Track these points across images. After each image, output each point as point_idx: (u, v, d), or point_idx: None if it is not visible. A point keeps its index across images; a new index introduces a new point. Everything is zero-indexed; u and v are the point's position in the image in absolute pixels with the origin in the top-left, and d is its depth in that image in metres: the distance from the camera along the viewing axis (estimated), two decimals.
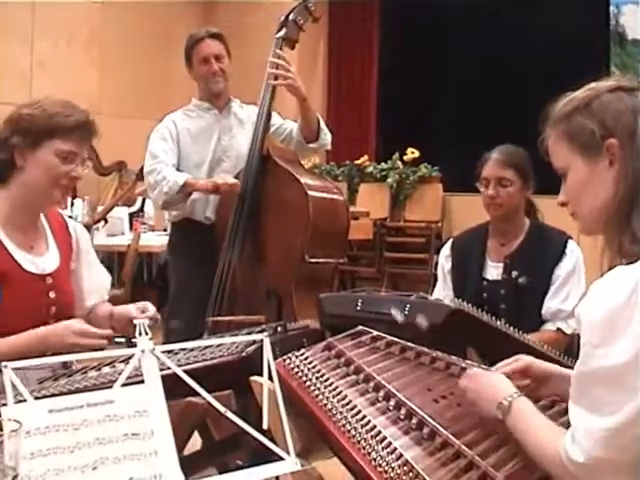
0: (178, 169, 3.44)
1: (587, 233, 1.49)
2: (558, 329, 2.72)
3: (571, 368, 1.82)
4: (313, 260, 3.07)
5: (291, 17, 3.39)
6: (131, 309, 2.26)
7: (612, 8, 7.83)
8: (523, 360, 1.68)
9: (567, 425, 1.37)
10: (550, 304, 2.74)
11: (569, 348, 2.73)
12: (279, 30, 3.41)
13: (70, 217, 6.23)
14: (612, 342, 1.27)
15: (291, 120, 3.60)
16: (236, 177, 3.30)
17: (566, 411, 1.59)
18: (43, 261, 2.23)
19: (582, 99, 1.47)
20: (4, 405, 1.27)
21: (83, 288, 2.37)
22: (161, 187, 3.33)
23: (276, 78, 3.29)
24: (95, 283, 2.43)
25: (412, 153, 8.56)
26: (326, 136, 3.51)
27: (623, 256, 1.37)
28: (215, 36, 3.53)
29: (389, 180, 8.57)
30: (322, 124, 3.49)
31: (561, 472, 1.34)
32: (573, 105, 1.48)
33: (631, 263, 1.34)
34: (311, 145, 3.47)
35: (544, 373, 1.67)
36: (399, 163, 8.62)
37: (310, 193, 3.09)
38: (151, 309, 2.21)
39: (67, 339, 2.04)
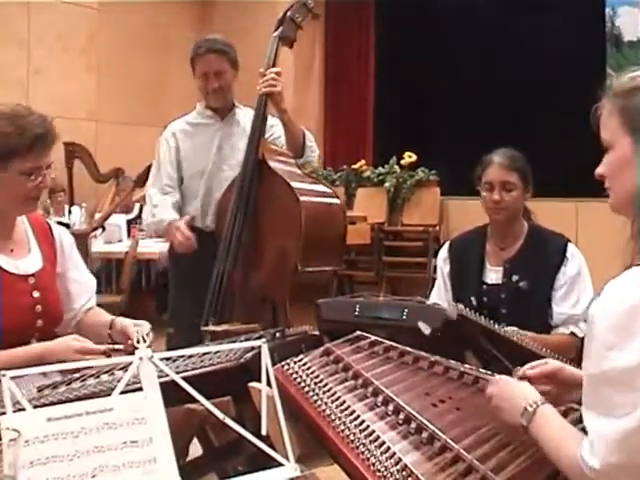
0: (182, 178, 3.52)
1: (615, 211, 1.46)
2: (572, 333, 2.71)
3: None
4: (308, 269, 3.05)
5: (289, 15, 3.36)
6: (130, 326, 2.25)
7: (608, 10, 7.85)
8: (552, 364, 1.66)
9: (584, 432, 1.35)
10: (560, 310, 2.73)
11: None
12: (276, 29, 3.39)
13: (67, 225, 6.19)
14: (626, 343, 1.26)
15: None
16: (231, 185, 3.30)
17: (581, 419, 1.58)
18: (25, 263, 2.25)
19: None
20: (3, 414, 1.27)
21: (71, 290, 2.38)
22: (152, 221, 3.53)
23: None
24: (83, 284, 2.43)
25: (409, 157, 8.56)
26: (312, 153, 3.48)
27: None
28: (217, 51, 3.46)
29: (386, 184, 8.57)
30: (308, 140, 3.46)
31: None
32: (636, 83, 1.43)
33: None
34: (297, 161, 3.45)
35: (572, 379, 1.63)
36: (396, 167, 8.62)
37: (302, 200, 3.05)
38: (145, 331, 2.16)
39: (69, 359, 2.03)
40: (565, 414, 1.64)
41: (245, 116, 3.57)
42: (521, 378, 1.66)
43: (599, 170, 1.48)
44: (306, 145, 3.45)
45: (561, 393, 1.64)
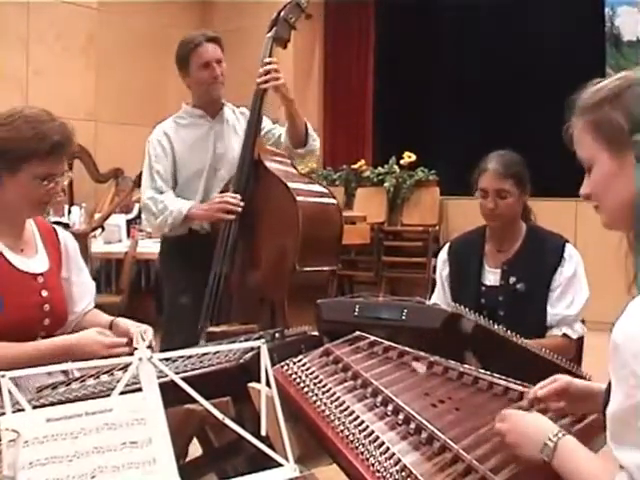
0: (176, 179, 3.42)
1: (608, 228, 1.43)
2: (564, 335, 2.71)
3: (570, 373, 1.81)
4: (305, 269, 3.04)
5: (282, 15, 3.34)
6: (132, 326, 2.27)
7: (607, 10, 7.86)
8: (561, 380, 1.63)
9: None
10: (555, 310, 2.72)
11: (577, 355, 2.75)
12: (270, 29, 3.39)
13: (67, 225, 6.18)
14: None
15: (281, 125, 3.55)
16: (227, 184, 3.29)
17: (579, 420, 1.58)
18: (33, 262, 2.26)
19: (611, 89, 1.38)
20: (2, 414, 1.27)
21: (74, 294, 2.40)
22: (165, 217, 3.30)
23: (266, 82, 3.29)
24: (85, 288, 2.46)
25: (409, 157, 8.57)
26: (314, 142, 3.47)
27: None
28: (213, 40, 3.45)
29: (386, 184, 8.58)
30: (310, 130, 3.45)
31: None
32: (602, 95, 1.38)
33: None
34: (299, 150, 3.43)
35: (582, 393, 1.61)
36: (396, 167, 8.63)
37: (299, 199, 3.04)
38: (150, 335, 2.18)
39: (98, 353, 2.08)
40: (563, 415, 1.65)
41: (232, 114, 3.55)
42: (533, 400, 1.64)
43: (584, 191, 1.45)
44: (309, 134, 3.45)
45: (571, 407, 1.63)
